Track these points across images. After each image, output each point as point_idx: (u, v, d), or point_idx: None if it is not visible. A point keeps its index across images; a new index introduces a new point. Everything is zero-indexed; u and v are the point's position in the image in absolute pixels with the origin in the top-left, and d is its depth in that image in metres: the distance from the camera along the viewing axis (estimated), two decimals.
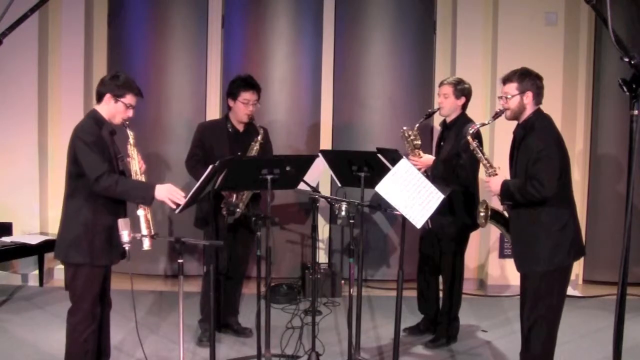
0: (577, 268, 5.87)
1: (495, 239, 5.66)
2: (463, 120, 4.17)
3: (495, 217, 3.39)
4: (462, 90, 4.21)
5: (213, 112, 5.85)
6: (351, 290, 3.92)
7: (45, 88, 5.70)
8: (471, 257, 5.61)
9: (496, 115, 3.38)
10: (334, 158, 4.11)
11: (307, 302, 4.92)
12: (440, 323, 4.31)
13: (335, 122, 6.03)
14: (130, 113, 3.25)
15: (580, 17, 5.76)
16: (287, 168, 3.57)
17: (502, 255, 5.62)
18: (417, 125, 4.22)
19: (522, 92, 3.23)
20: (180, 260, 2.99)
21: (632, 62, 2.13)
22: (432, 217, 3.30)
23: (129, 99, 3.21)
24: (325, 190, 5.62)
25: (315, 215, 4.00)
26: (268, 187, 3.56)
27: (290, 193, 5.42)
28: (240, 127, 4.22)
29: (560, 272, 3.19)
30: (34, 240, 5.25)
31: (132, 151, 3.25)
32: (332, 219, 5.86)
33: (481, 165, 3.48)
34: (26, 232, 5.53)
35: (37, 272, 5.55)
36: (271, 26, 5.99)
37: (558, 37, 5.58)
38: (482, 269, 5.87)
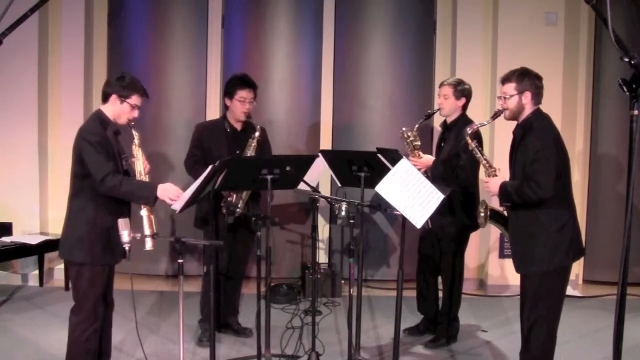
0: (577, 268, 5.87)
1: (495, 239, 5.66)
2: (463, 120, 4.16)
3: (495, 217, 3.39)
4: (462, 91, 4.21)
5: (213, 112, 5.85)
6: (351, 290, 3.92)
7: (45, 88, 5.70)
8: (471, 257, 5.61)
9: (495, 116, 3.38)
10: (334, 158, 4.11)
11: (307, 302, 4.92)
12: (440, 323, 4.31)
13: (335, 122, 6.03)
14: (135, 113, 3.27)
15: (580, 17, 5.76)
16: (287, 168, 3.57)
17: (502, 255, 5.62)
18: (417, 126, 4.22)
19: (520, 92, 3.23)
20: (180, 260, 2.99)
21: (632, 62, 2.13)
22: (432, 217, 3.30)
23: (135, 99, 3.24)
24: (325, 190, 5.62)
25: (315, 215, 4.00)
26: (268, 187, 3.56)
27: (290, 193, 5.42)
28: (238, 126, 4.23)
29: (560, 272, 3.19)
30: (34, 240, 5.25)
31: (137, 151, 3.27)
32: (332, 219, 5.86)
33: (481, 165, 3.48)
34: (26, 232, 5.53)
35: (37, 272, 5.55)
36: (271, 26, 5.99)
37: (558, 37, 5.58)
38: (482, 269, 5.87)
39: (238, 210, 4.01)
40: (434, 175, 4.07)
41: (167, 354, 4.00)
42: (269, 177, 3.52)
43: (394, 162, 3.37)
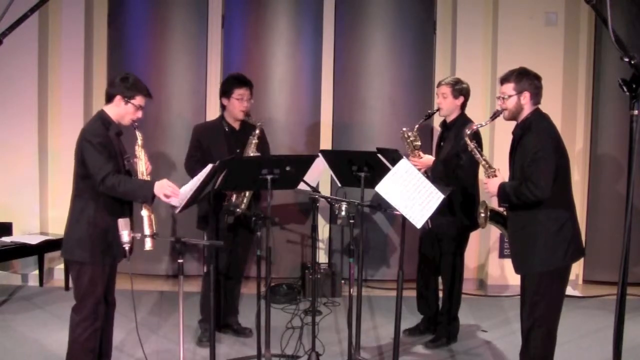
0: (577, 268, 5.87)
1: (495, 239, 5.66)
2: (463, 120, 4.17)
3: (495, 217, 3.39)
4: (460, 90, 4.21)
5: (213, 112, 5.84)
6: (351, 290, 3.93)
7: (45, 88, 5.70)
8: (471, 257, 5.61)
9: (494, 116, 3.38)
10: (334, 158, 4.11)
11: (307, 302, 4.92)
12: (440, 323, 4.31)
13: (335, 122, 6.03)
14: (139, 114, 3.29)
15: (580, 17, 5.76)
16: (287, 168, 3.57)
17: (502, 255, 5.62)
18: (417, 126, 4.23)
19: (519, 92, 3.22)
20: (180, 260, 3.00)
21: (632, 62, 2.13)
22: (432, 217, 3.30)
23: (139, 100, 3.26)
24: (325, 190, 5.62)
25: (315, 215, 4.00)
26: (268, 187, 3.56)
27: (290, 193, 5.42)
28: (237, 125, 4.24)
29: (559, 272, 3.19)
30: (34, 240, 5.25)
31: (140, 152, 3.30)
32: (332, 219, 5.86)
33: (480, 166, 3.48)
34: (26, 232, 5.53)
35: (37, 272, 5.55)
36: (271, 26, 5.99)
37: (558, 37, 5.58)
38: (482, 269, 5.87)
39: (238, 210, 4.02)
40: (434, 175, 4.07)
41: (167, 354, 4.00)
42: (269, 177, 3.53)
43: (394, 162, 3.37)
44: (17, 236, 5.39)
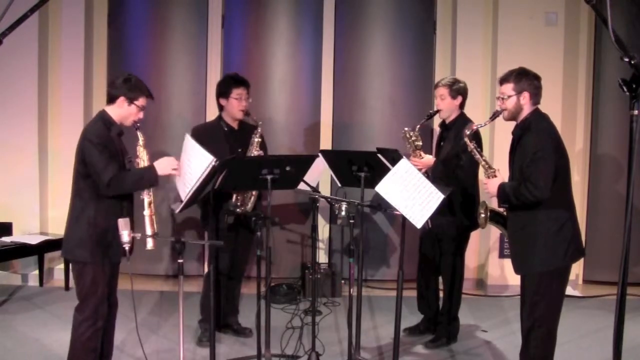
0: (577, 268, 5.87)
1: (495, 239, 5.66)
2: (462, 120, 4.17)
3: (495, 218, 3.39)
4: (458, 90, 4.22)
5: (213, 112, 5.81)
6: (351, 290, 3.93)
7: (45, 88, 5.70)
8: (471, 257, 5.61)
9: (494, 116, 3.38)
10: (334, 158, 4.11)
11: (307, 302, 4.92)
12: (440, 323, 4.31)
13: (335, 122, 6.03)
14: (141, 115, 3.32)
15: (580, 17, 5.76)
16: (287, 168, 3.57)
17: (502, 255, 5.62)
18: (418, 126, 4.23)
19: (518, 93, 3.22)
20: (180, 260, 3.00)
21: (632, 62, 2.12)
22: (432, 217, 3.30)
23: (142, 101, 3.29)
24: (325, 190, 5.62)
25: (315, 215, 4.01)
26: (268, 187, 3.56)
27: (290, 193, 5.42)
28: (235, 125, 4.25)
29: (559, 272, 3.19)
30: (34, 240, 5.25)
31: (142, 153, 3.32)
32: (332, 219, 5.86)
33: (481, 166, 3.48)
34: (26, 232, 5.53)
35: (37, 272, 5.55)
36: (271, 26, 5.99)
37: (558, 38, 5.58)
38: (482, 269, 5.87)
39: (238, 210, 4.02)
40: (434, 175, 4.07)
41: (167, 354, 4.00)
42: (269, 177, 3.53)
43: (394, 162, 3.37)
44: (17, 236, 5.39)
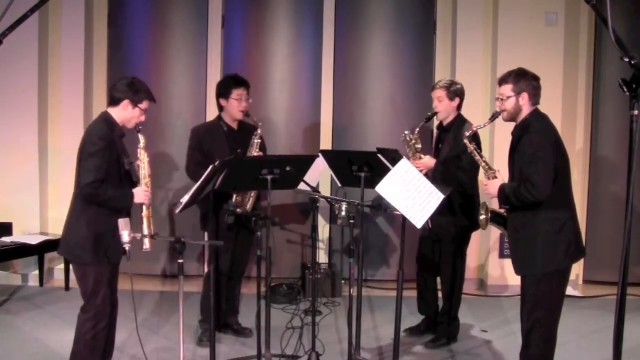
0: (577, 268, 5.87)
1: (495, 239, 5.66)
2: (460, 121, 4.19)
3: (496, 218, 3.38)
4: (455, 91, 4.23)
5: (213, 112, 5.80)
6: (351, 290, 3.92)
7: (46, 88, 5.70)
8: (471, 257, 5.60)
9: (493, 117, 3.38)
10: (334, 158, 4.11)
11: (307, 302, 4.92)
12: (440, 323, 4.31)
13: (335, 122, 6.03)
14: (143, 117, 3.35)
15: (580, 17, 5.76)
16: (287, 168, 3.57)
17: (502, 255, 5.62)
18: (417, 129, 4.24)
19: (517, 93, 3.22)
20: (180, 260, 3.00)
21: (632, 62, 2.12)
22: (432, 218, 3.30)
23: (145, 104, 3.32)
24: (325, 190, 5.62)
25: (315, 215, 4.00)
26: (268, 187, 3.56)
27: (290, 193, 5.42)
28: (235, 125, 4.25)
29: (559, 273, 3.19)
30: (34, 240, 5.25)
31: (143, 155, 3.34)
32: (332, 219, 5.86)
33: (481, 167, 3.48)
34: (26, 232, 5.52)
35: (37, 272, 5.55)
36: (271, 26, 5.99)
37: (558, 38, 5.58)
38: (482, 269, 5.87)
39: (238, 210, 4.02)
40: (434, 176, 4.07)
41: (167, 354, 4.00)
42: (269, 177, 3.53)
43: (394, 162, 3.37)
44: (17, 236, 5.39)
